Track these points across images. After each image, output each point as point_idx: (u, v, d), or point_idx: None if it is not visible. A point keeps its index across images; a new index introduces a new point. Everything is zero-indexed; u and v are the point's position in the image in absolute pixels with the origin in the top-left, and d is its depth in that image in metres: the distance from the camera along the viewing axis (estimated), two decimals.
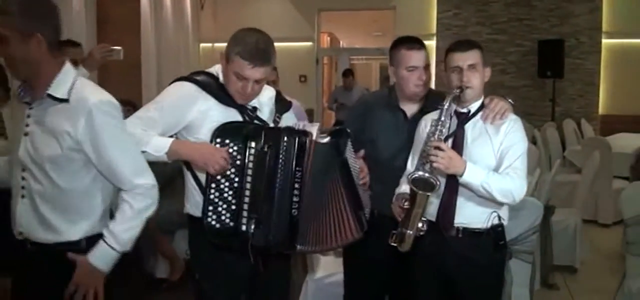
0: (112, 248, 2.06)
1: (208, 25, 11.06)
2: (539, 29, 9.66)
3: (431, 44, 10.30)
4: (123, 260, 2.09)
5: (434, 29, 10.26)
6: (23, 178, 2.05)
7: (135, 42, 9.04)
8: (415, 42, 2.78)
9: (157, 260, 4.65)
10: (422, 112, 2.75)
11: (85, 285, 2.03)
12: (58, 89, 2.02)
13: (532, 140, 7.32)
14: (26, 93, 2.05)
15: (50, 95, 2.01)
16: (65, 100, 2.02)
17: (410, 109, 2.82)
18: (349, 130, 2.45)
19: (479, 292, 2.45)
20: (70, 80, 2.05)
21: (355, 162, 2.47)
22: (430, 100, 2.77)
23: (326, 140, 2.33)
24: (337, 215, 2.36)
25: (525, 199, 3.18)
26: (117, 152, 2.06)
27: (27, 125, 2.04)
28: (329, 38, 14.72)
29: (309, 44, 10.88)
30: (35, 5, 1.97)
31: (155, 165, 2.21)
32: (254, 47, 2.29)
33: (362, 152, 2.54)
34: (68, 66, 2.08)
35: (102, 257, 2.05)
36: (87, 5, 7.84)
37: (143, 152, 2.22)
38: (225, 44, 2.36)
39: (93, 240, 2.07)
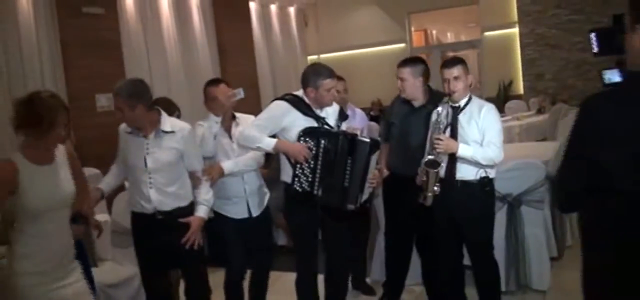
0: (208, 207, 3.68)
1: (312, 39, 12.52)
2: (614, 4, 10.17)
3: (515, 31, 11.18)
4: None
5: (515, 17, 11.10)
6: (150, 177, 3.55)
7: (250, 63, 10.61)
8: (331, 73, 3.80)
9: (278, 231, 6.18)
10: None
11: (197, 231, 3.59)
12: (166, 126, 3.56)
13: None
14: (138, 133, 3.55)
15: (164, 131, 3.55)
16: (173, 132, 3.57)
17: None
18: (381, 144, 3.73)
19: (473, 222, 3.66)
20: (168, 120, 3.60)
21: (375, 166, 3.75)
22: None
23: (367, 140, 3.62)
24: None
25: (528, 161, 4.33)
26: (196, 158, 3.69)
27: (147, 149, 3.54)
28: (433, 33, 15.64)
29: (402, 45, 12.03)
30: (135, 87, 3.47)
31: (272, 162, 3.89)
32: (328, 69, 3.72)
33: (380, 165, 3.83)
34: (163, 112, 3.61)
35: (206, 213, 3.66)
36: (208, 38, 9.47)
37: (258, 147, 3.72)
38: (329, 55, 3.99)
39: (191, 204, 3.68)
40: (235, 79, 9.80)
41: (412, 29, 12.82)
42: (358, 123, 4.54)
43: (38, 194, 2.86)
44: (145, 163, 3.53)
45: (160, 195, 3.57)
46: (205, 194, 3.68)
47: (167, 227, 3.55)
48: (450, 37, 16.66)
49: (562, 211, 3.22)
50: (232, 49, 10.17)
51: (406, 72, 4.03)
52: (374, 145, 3.67)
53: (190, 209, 3.65)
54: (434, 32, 16.08)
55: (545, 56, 10.91)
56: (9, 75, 6.32)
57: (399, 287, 4.44)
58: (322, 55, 12.14)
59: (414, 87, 4.05)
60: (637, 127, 1.63)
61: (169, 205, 3.59)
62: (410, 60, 4.11)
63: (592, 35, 6.18)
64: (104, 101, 7.67)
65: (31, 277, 2.87)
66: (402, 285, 4.43)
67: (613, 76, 5.61)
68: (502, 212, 4.27)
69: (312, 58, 12.33)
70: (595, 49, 6.11)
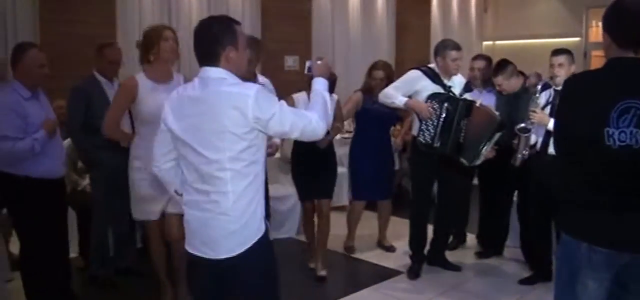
0: None
1: (490, 25, 13.01)
2: None
3: None
4: None
5: None
6: None
7: (425, 42, 11.27)
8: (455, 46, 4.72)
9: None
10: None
11: None
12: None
13: None
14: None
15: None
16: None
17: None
18: (505, 128, 4.48)
19: None
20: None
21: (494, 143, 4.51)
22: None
23: (496, 114, 4.50)
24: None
25: None
26: None
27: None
28: None
29: (577, 39, 12.14)
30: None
31: None
32: (454, 43, 4.68)
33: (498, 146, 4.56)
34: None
35: None
36: (388, 16, 10.43)
37: (392, 102, 4.68)
38: (506, 42, 4.89)
39: None
40: (408, 57, 10.80)
41: (597, 23, 12.66)
42: (486, 100, 5.34)
43: (150, 104, 3.69)
44: None
45: None
46: None
47: None
48: None
49: None
50: (409, 28, 10.95)
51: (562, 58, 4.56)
52: (501, 124, 4.46)
53: None
54: None
55: None
56: None
57: (497, 243, 5.37)
58: (498, 42, 12.58)
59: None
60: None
61: None
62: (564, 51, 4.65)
63: None
64: (291, 62, 8.94)
65: (140, 172, 3.85)
66: (503, 243, 5.36)
67: None
68: None
69: (487, 44, 12.78)
70: None
